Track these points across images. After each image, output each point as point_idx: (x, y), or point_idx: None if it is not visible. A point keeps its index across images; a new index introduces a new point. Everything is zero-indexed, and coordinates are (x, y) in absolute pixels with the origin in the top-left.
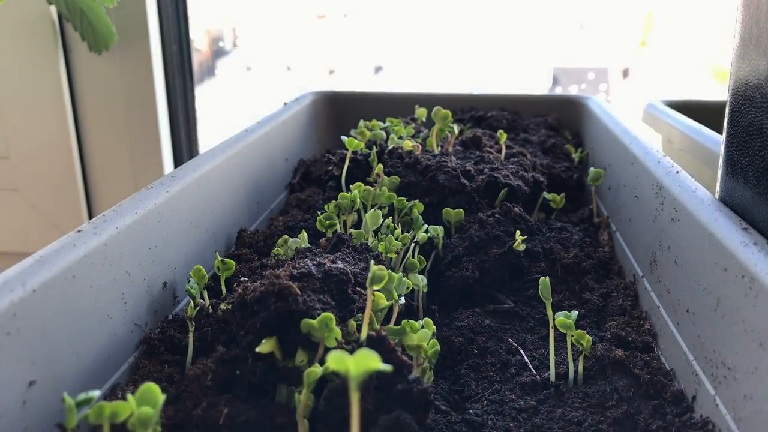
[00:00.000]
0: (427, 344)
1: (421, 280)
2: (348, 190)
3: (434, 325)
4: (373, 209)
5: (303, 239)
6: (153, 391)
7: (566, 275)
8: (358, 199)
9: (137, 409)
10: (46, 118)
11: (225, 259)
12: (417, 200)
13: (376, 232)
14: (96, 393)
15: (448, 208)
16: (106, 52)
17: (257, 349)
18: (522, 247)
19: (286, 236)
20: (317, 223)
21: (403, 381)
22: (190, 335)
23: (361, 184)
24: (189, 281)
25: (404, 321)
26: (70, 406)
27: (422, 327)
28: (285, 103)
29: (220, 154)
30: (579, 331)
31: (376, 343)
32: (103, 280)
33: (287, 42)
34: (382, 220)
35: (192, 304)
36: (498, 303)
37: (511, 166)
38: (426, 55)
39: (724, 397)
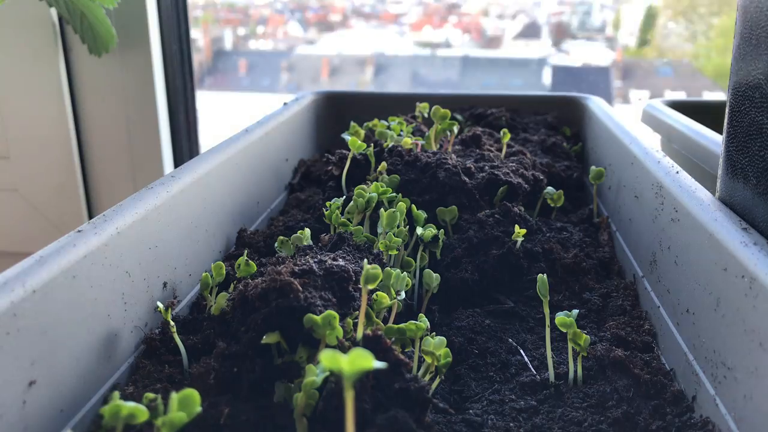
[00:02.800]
0: (441, 353)
1: (435, 279)
2: (349, 190)
3: (434, 325)
4: (390, 210)
5: (305, 236)
6: (194, 399)
7: (566, 275)
8: (375, 200)
9: (174, 411)
10: (46, 118)
11: (249, 260)
12: (400, 195)
13: (386, 232)
14: (130, 405)
15: (442, 207)
16: (106, 54)
17: (263, 341)
18: (521, 239)
19: (282, 237)
20: (333, 217)
21: (401, 380)
22: (175, 336)
23: (374, 184)
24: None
25: (408, 322)
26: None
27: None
28: (285, 103)
29: (220, 154)
30: (576, 330)
31: (372, 341)
32: (103, 280)
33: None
34: (398, 222)
35: (161, 306)
36: (498, 303)
37: (511, 164)
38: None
39: (724, 397)
